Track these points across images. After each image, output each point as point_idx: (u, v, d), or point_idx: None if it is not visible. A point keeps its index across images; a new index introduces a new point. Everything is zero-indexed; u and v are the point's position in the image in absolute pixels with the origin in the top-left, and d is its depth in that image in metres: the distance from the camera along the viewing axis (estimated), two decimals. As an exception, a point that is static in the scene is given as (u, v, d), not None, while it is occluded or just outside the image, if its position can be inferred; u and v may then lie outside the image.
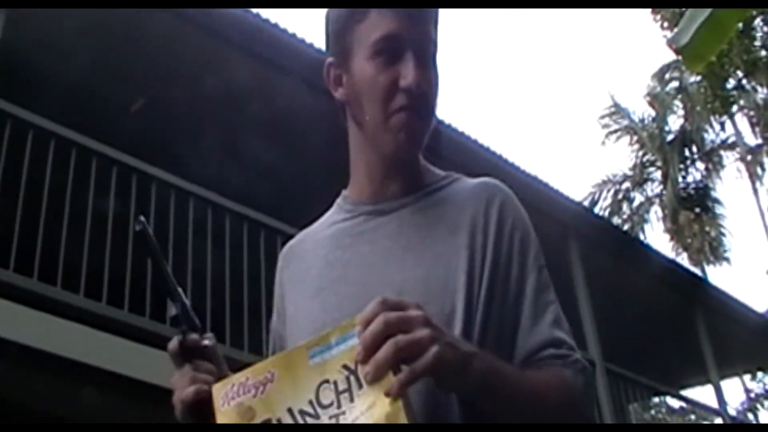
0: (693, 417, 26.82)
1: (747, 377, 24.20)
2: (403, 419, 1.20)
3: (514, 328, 1.53)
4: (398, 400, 1.21)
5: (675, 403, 18.39)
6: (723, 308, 13.44)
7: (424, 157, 1.72)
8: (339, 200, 1.76)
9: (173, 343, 1.50)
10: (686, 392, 14.88)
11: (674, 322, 12.92)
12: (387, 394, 1.21)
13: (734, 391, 39.29)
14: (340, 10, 1.64)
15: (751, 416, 24.89)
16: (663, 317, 12.79)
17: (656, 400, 16.98)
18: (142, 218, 1.46)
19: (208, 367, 1.50)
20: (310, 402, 1.27)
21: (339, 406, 1.24)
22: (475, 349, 1.35)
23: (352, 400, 1.24)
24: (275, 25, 7.92)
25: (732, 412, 16.22)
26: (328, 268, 1.66)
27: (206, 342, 1.51)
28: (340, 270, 1.63)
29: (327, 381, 1.26)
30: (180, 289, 1.50)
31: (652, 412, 19.55)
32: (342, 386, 1.25)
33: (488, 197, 1.62)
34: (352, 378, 1.25)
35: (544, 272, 1.61)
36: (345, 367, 1.25)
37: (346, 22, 1.62)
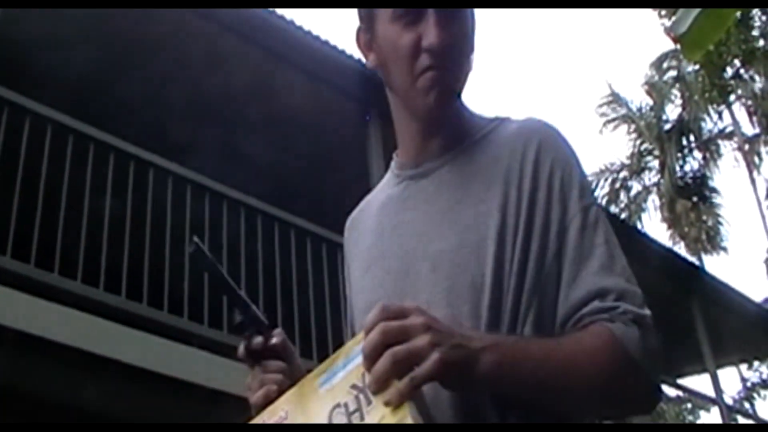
0: (689, 405, 26.96)
1: (743, 366, 24.24)
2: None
3: (558, 284, 1.43)
4: (402, 409, 1.17)
5: (672, 391, 18.38)
6: (720, 297, 13.44)
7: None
8: (392, 164, 1.72)
9: (240, 349, 1.50)
10: (683, 381, 14.90)
11: (671, 310, 12.91)
12: (386, 404, 1.18)
13: (731, 380, 39.39)
14: None
15: (747, 405, 24.97)
16: (660, 306, 12.64)
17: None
18: (195, 239, 1.45)
19: (279, 365, 1.50)
20: None
21: None
22: (489, 340, 1.29)
23: (362, 418, 1.20)
24: (281, 17, 7.90)
25: (728, 401, 16.27)
26: (376, 239, 1.63)
27: (273, 340, 1.50)
28: (387, 241, 1.60)
29: (338, 405, 1.23)
30: (243, 293, 1.49)
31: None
32: (352, 407, 1.22)
33: (525, 142, 1.52)
34: (361, 396, 1.21)
35: (590, 212, 1.46)
36: (353, 386, 1.23)
37: None
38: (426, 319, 1.23)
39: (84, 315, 5.90)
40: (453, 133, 1.60)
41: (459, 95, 1.59)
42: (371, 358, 1.21)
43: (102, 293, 6.11)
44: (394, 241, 1.58)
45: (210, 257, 1.47)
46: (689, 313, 12.87)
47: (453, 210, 1.51)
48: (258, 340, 1.48)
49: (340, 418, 1.22)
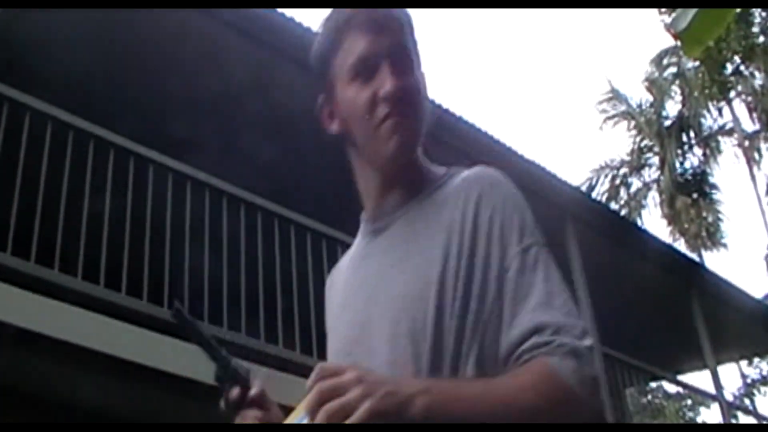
0: (690, 402, 26.97)
1: (743, 363, 24.25)
2: None
3: (500, 326, 1.48)
4: None
5: (672, 388, 18.40)
6: (720, 293, 13.45)
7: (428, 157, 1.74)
8: (361, 222, 1.79)
9: (221, 402, 1.61)
10: (683, 377, 14.92)
11: (671, 307, 12.93)
12: None
13: (731, 376, 39.40)
14: (317, 50, 1.68)
15: (747, 402, 24.98)
16: (660, 302, 12.80)
17: (653, 384, 17.00)
18: (177, 304, 1.60)
19: (257, 415, 1.60)
20: None
21: None
22: (420, 385, 1.35)
23: None
24: (280, 14, 7.90)
25: (729, 397, 16.27)
26: (343, 296, 1.72)
27: (252, 392, 1.61)
28: (350, 297, 1.69)
29: None
30: (224, 350, 1.61)
31: (649, 396, 19.60)
32: None
33: (467, 192, 1.59)
34: None
35: (530, 253, 1.52)
36: None
37: (325, 59, 1.67)
38: (358, 373, 1.30)
39: (84, 312, 5.90)
40: (408, 188, 1.67)
41: (417, 147, 1.66)
42: (311, 415, 1.28)
43: (102, 290, 6.12)
44: (357, 296, 1.66)
45: (189, 318, 1.61)
46: (689, 309, 12.87)
47: (402, 261, 1.59)
48: (236, 392, 1.59)
49: None
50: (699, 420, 29.30)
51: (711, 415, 30.60)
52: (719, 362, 13.94)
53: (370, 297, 1.61)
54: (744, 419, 17.41)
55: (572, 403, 1.39)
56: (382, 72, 1.59)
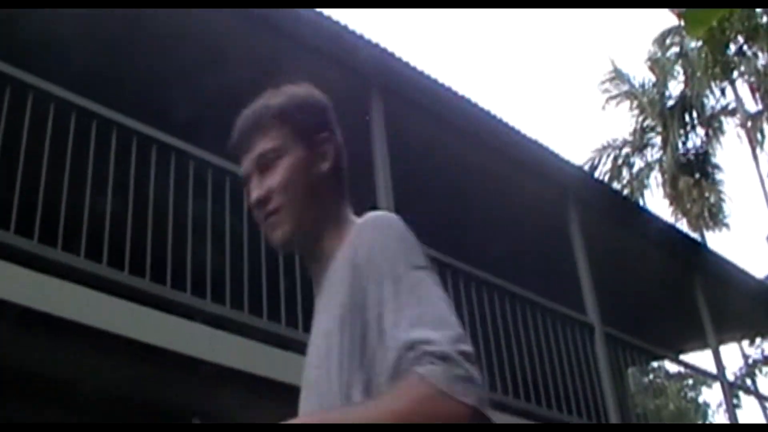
0: (691, 382, 27.03)
1: (745, 343, 24.28)
2: None
3: (385, 353, 1.61)
4: None
5: (673, 368, 18.44)
6: (722, 274, 13.46)
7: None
8: None
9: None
10: (685, 357, 14.94)
11: (673, 287, 12.94)
12: None
13: (733, 356, 39.43)
14: None
15: (749, 382, 25.03)
16: (662, 282, 12.81)
17: (655, 364, 17.03)
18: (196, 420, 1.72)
19: None
20: None
21: None
22: (305, 417, 1.62)
23: None
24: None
25: (730, 377, 16.29)
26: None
27: None
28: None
29: None
30: None
31: (651, 376, 19.65)
32: None
33: (353, 241, 1.77)
34: None
35: (402, 281, 1.64)
36: None
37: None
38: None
39: (87, 290, 5.91)
40: (321, 257, 1.87)
41: (301, 229, 1.88)
42: None
43: (105, 268, 6.12)
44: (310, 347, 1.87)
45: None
46: (691, 289, 12.89)
47: (319, 315, 1.82)
48: None
49: None
50: (700, 400, 29.42)
51: (712, 395, 30.70)
52: (721, 342, 13.96)
53: (312, 342, 1.83)
54: (745, 399, 17.46)
55: (440, 403, 1.48)
56: (250, 184, 1.89)
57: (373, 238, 1.73)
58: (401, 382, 1.51)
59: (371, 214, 1.81)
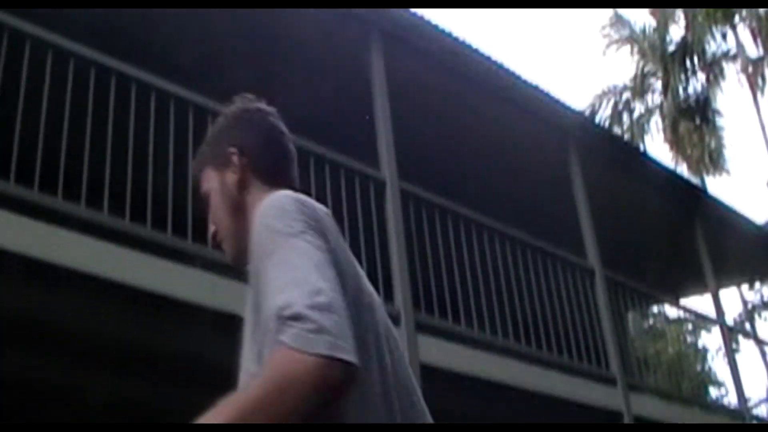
0: (690, 327, 27.17)
1: (745, 288, 24.39)
2: None
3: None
4: None
5: (673, 312, 18.50)
6: (722, 218, 13.48)
7: None
8: None
9: None
10: (685, 301, 15.00)
11: (673, 231, 12.97)
12: None
13: (732, 301, 39.64)
14: None
15: (748, 326, 25.17)
16: (662, 226, 12.84)
17: (655, 310, 17.10)
18: None
19: None
20: None
21: None
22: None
23: None
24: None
25: (730, 322, 16.37)
26: None
27: None
28: None
29: None
30: None
31: (651, 321, 19.73)
32: None
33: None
34: None
35: (274, 254, 1.71)
36: None
37: None
38: None
39: (88, 239, 5.92)
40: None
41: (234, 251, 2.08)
42: None
43: (106, 216, 6.12)
44: None
45: None
46: (691, 234, 12.92)
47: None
48: None
49: None
50: (699, 344, 29.61)
51: (712, 340, 30.87)
52: (720, 287, 14.01)
53: None
54: (744, 343, 17.56)
55: (293, 362, 1.49)
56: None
57: (257, 223, 1.82)
58: (269, 358, 1.58)
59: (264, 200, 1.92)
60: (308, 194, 1.90)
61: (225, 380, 1.91)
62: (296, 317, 1.52)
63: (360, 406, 1.67)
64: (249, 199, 2.04)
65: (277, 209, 1.81)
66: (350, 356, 1.51)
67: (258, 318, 1.72)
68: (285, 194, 1.86)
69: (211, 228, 2.11)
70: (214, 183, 2.10)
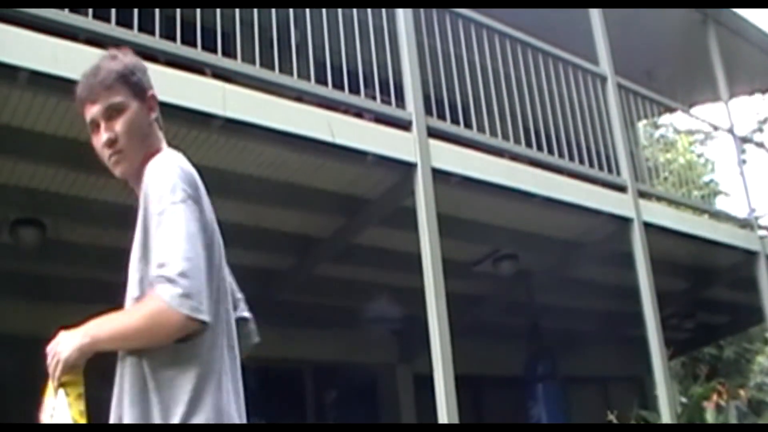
0: (702, 137, 27.16)
1: (756, 98, 24.23)
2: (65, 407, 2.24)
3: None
4: (58, 395, 2.27)
5: (683, 125, 18.44)
6: (737, 26, 13.27)
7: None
8: None
9: None
10: (696, 110, 14.92)
11: (687, 37, 12.81)
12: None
13: (743, 111, 39.44)
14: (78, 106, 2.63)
15: (758, 137, 25.15)
16: (676, 33, 12.68)
17: (666, 121, 17.04)
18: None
19: None
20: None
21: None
22: (89, 326, 2.31)
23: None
24: None
25: (739, 132, 16.30)
26: None
27: None
28: None
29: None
30: None
31: (662, 130, 19.71)
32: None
33: (143, 182, 2.42)
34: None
35: (162, 215, 2.29)
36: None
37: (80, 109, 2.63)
38: (50, 347, 2.33)
39: (97, 51, 5.85)
40: (140, 183, 2.44)
41: (135, 165, 2.56)
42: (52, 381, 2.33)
43: (115, 28, 6.03)
44: None
45: None
46: (705, 41, 12.75)
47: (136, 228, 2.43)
48: None
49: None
50: (709, 155, 29.66)
51: (720, 151, 30.87)
52: (732, 96, 13.90)
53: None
54: (753, 150, 17.53)
55: (165, 314, 2.18)
56: (100, 127, 2.55)
57: (147, 182, 2.36)
58: (147, 296, 2.25)
59: (153, 160, 2.45)
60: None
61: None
62: (170, 280, 2.16)
63: (209, 342, 2.30)
64: (154, 141, 2.60)
65: (164, 174, 2.35)
66: (205, 316, 2.19)
67: (144, 253, 2.31)
68: (173, 161, 2.42)
69: (111, 135, 2.52)
70: (132, 105, 2.57)
